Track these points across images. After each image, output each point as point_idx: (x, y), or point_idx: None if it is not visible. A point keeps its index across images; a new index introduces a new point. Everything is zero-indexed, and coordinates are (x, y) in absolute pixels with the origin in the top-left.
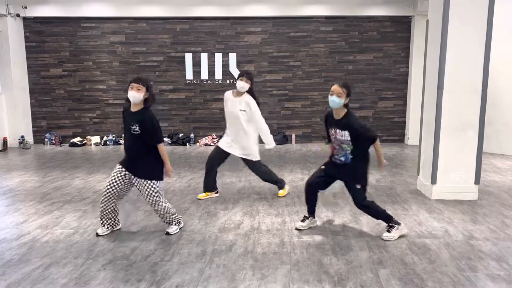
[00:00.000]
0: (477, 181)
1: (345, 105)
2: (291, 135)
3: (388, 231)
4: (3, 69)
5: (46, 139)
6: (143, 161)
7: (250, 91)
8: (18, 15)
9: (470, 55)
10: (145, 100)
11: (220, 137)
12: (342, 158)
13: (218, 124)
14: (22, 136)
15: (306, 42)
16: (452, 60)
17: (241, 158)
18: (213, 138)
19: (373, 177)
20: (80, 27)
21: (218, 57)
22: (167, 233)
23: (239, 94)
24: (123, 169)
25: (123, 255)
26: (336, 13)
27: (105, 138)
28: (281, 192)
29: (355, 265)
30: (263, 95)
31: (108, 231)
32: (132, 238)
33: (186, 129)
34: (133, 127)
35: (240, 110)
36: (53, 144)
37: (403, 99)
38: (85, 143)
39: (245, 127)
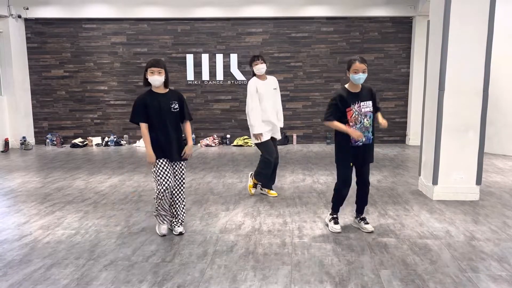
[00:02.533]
0: (478, 181)
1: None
2: (292, 136)
3: (366, 222)
4: (4, 70)
5: (48, 140)
6: (181, 142)
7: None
8: (19, 16)
9: (471, 55)
10: (165, 82)
11: (222, 138)
12: (364, 139)
13: (219, 125)
14: (24, 137)
15: (307, 43)
16: (453, 60)
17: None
18: (214, 139)
19: (374, 177)
20: (82, 28)
21: (219, 58)
22: (180, 233)
23: (263, 76)
24: (167, 161)
25: (125, 255)
26: (337, 13)
27: (106, 139)
28: (257, 190)
29: (357, 265)
30: None
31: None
32: (133, 238)
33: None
34: (172, 105)
35: (274, 89)
36: (55, 145)
37: (404, 100)
38: (87, 144)
39: (280, 105)
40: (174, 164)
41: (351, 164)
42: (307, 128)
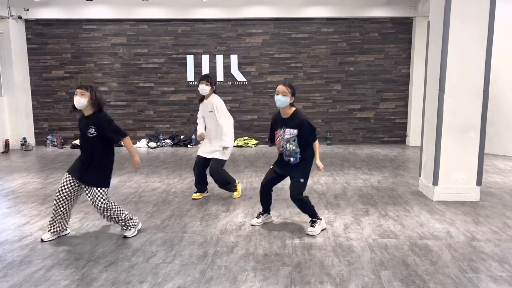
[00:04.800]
0: (479, 182)
1: (291, 104)
2: None
3: (312, 226)
4: (5, 71)
5: (48, 141)
6: (94, 168)
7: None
8: (20, 17)
9: (471, 56)
10: (94, 105)
11: None
12: (292, 159)
13: None
14: (24, 138)
15: (307, 44)
16: (454, 61)
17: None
18: None
19: (375, 178)
20: (82, 29)
21: (220, 58)
22: (125, 237)
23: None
24: (71, 178)
25: (125, 256)
26: (337, 14)
27: None
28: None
29: (357, 266)
30: (264, 96)
31: (55, 236)
32: (133, 239)
33: (187, 130)
34: (89, 130)
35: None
36: (55, 145)
37: (405, 100)
38: None
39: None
40: (86, 187)
41: (272, 167)
42: None
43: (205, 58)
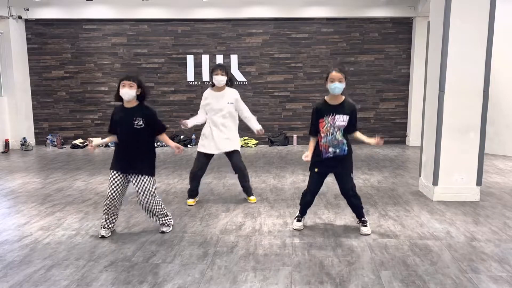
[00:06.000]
0: (479, 182)
1: None
2: (292, 137)
3: (365, 225)
4: (5, 71)
5: (48, 141)
6: (144, 157)
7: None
8: (20, 17)
9: (471, 56)
10: (139, 96)
11: None
12: (337, 151)
13: None
14: (24, 138)
15: (308, 44)
16: (454, 61)
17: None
18: None
19: (375, 178)
20: (82, 29)
21: (220, 58)
22: (162, 232)
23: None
24: (118, 173)
25: (125, 256)
26: (337, 14)
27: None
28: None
29: (357, 266)
30: (264, 96)
31: (110, 233)
32: (133, 239)
33: (187, 130)
34: (136, 122)
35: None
36: (55, 145)
37: (405, 100)
38: (87, 144)
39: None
40: (134, 177)
41: (316, 170)
42: (307, 129)
43: (205, 58)
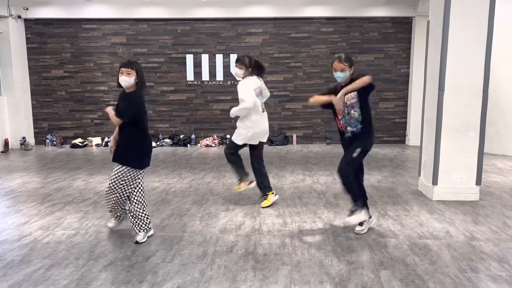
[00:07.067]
0: (478, 182)
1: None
2: (292, 136)
3: (350, 215)
4: (4, 71)
5: (48, 140)
6: (121, 145)
7: None
8: (19, 17)
9: (471, 55)
10: (137, 84)
11: (222, 138)
12: (355, 129)
13: (219, 125)
14: (24, 138)
15: (307, 43)
16: (453, 60)
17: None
18: (214, 139)
19: (374, 178)
20: (81, 29)
21: (219, 58)
22: (136, 242)
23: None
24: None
25: (124, 256)
26: (337, 14)
27: (106, 139)
28: (236, 188)
29: (356, 266)
30: None
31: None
32: (133, 239)
33: (187, 130)
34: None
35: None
36: (54, 145)
37: (404, 100)
38: (86, 144)
39: None
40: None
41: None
42: (307, 129)
43: (205, 58)
